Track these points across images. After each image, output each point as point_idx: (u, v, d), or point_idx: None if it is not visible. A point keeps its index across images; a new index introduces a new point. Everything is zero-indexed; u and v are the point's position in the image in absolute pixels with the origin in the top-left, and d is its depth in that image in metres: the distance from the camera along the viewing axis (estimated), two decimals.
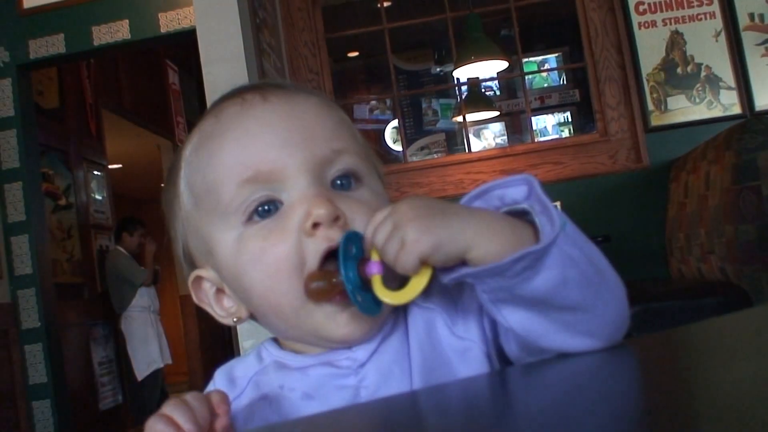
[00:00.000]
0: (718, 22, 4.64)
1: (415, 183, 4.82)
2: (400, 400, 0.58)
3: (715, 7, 4.64)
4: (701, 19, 4.66)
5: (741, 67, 4.58)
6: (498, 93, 7.34)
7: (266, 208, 0.81)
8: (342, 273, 0.74)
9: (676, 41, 4.66)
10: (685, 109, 4.62)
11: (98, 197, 6.71)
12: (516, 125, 7.25)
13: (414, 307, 0.85)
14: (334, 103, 0.91)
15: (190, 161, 0.89)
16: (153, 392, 6.30)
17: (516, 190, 0.75)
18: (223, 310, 0.90)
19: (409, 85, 7.24)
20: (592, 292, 0.71)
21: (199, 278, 0.90)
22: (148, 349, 6.20)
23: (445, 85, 7.57)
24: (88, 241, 6.41)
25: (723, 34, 4.63)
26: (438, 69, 7.48)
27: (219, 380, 0.92)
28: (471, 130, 5.81)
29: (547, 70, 7.36)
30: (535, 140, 5.48)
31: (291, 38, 4.95)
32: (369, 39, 5.55)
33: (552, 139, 6.46)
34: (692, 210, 3.88)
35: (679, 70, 4.65)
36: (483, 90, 6.57)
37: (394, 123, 7.06)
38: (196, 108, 7.81)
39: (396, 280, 0.74)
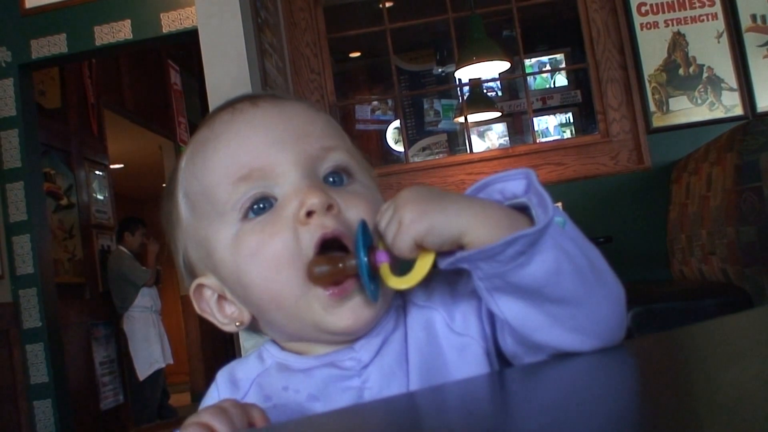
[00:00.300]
0: (720, 24, 4.64)
1: (417, 183, 4.81)
2: (397, 402, 0.58)
3: (717, 9, 4.64)
4: (703, 20, 4.66)
5: (743, 68, 4.58)
6: (500, 94, 7.34)
7: (261, 205, 0.82)
8: (360, 258, 0.75)
9: (678, 42, 4.66)
10: (686, 110, 4.62)
11: (100, 197, 6.72)
12: (518, 126, 7.25)
13: (413, 307, 0.86)
14: (322, 109, 0.95)
15: (185, 170, 0.91)
16: (154, 392, 6.31)
17: (515, 184, 0.77)
18: (225, 317, 0.90)
19: (410, 85, 7.24)
20: (586, 288, 0.71)
21: (200, 287, 0.91)
22: (149, 349, 6.21)
23: (446, 85, 7.57)
24: (90, 241, 6.41)
25: (725, 35, 4.63)
26: (440, 69, 7.48)
27: (221, 382, 0.92)
28: (473, 130, 5.81)
29: (549, 71, 7.35)
30: (537, 141, 5.48)
31: (293, 38, 4.95)
32: (371, 39, 5.55)
33: (554, 140, 6.46)
34: (694, 211, 3.88)
35: (681, 71, 4.65)
36: (485, 91, 6.56)
37: (396, 123, 7.06)
38: (198, 108, 7.81)
39: (402, 270, 0.76)
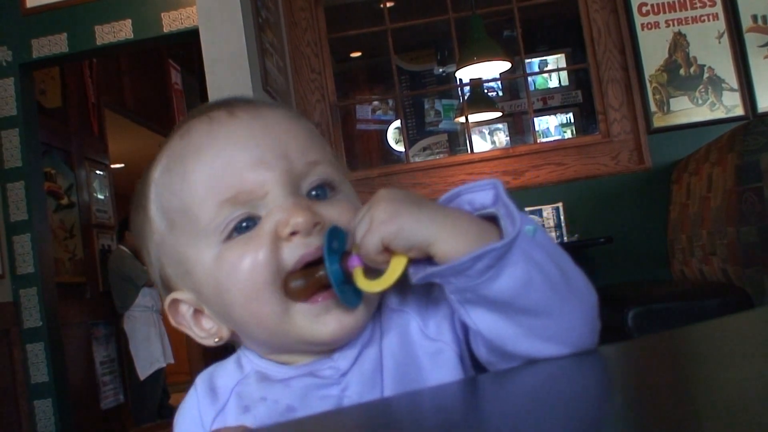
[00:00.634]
0: (721, 24, 4.64)
1: (418, 183, 4.82)
2: (373, 408, 0.58)
3: (718, 9, 4.64)
4: (704, 20, 4.66)
5: (744, 68, 4.58)
6: (500, 94, 7.34)
7: (245, 224, 0.81)
8: (327, 266, 0.75)
9: (678, 43, 4.66)
10: (687, 110, 4.62)
11: (100, 196, 6.72)
12: (518, 126, 7.25)
13: (388, 312, 0.85)
14: (301, 115, 0.92)
15: (160, 184, 0.88)
16: (155, 392, 6.31)
17: (484, 195, 0.77)
18: (202, 330, 0.89)
19: (411, 85, 7.24)
20: (558, 297, 0.71)
21: (175, 301, 0.89)
22: (150, 348, 6.20)
23: (447, 85, 7.57)
24: (90, 240, 6.41)
25: (726, 35, 4.63)
26: (440, 70, 7.48)
27: (201, 390, 0.91)
28: (473, 130, 5.81)
29: (550, 71, 7.35)
30: (538, 141, 5.48)
31: (294, 38, 4.95)
32: (372, 39, 5.55)
33: (554, 140, 6.46)
34: (694, 211, 3.88)
35: (681, 71, 4.65)
36: (485, 91, 6.56)
37: (397, 123, 7.06)
38: None
39: (377, 273, 0.75)
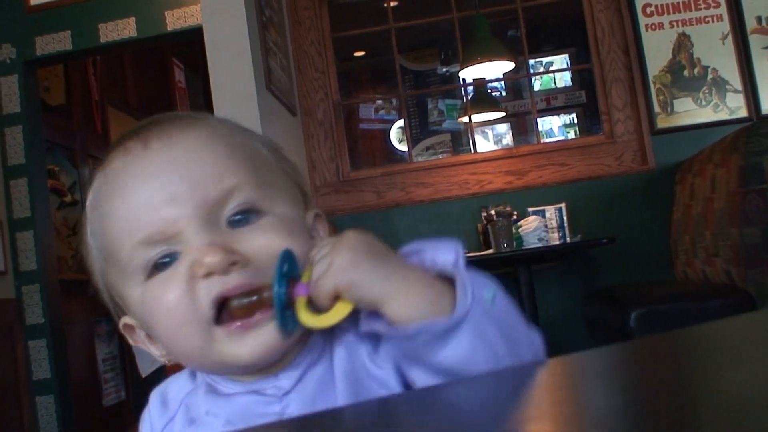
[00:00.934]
0: (726, 25, 4.63)
1: (421, 183, 4.82)
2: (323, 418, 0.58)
3: (723, 10, 4.64)
4: (708, 21, 4.65)
5: (748, 70, 4.58)
6: (504, 94, 7.33)
7: (166, 260, 0.80)
8: (275, 288, 0.75)
9: (683, 43, 4.66)
10: (691, 111, 4.62)
11: None
12: (522, 126, 7.25)
13: (342, 335, 0.84)
14: (226, 128, 0.87)
15: (90, 220, 0.88)
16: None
17: (446, 255, 0.76)
18: (158, 350, 0.90)
19: (415, 85, 7.24)
20: (499, 365, 0.71)
21: (128, 324, 0.90)
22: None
23: (451, 85, 7.57)
24: None
25: (730, 36, 4.63)
26: (444, 69, 7.47)
27: (153, 403, 0.93)
28: (477, 130, 5.81)
29: (554, 71, 7.35)
30: (541, 141, 5.48)
31: (297, 37, 4.95)
32: (375, 38, 5.55)
33: (558, 141, 6.46)
34: (697, 212, 3.87)
35: (685, 72, 4.64)
36: (489, 91, 6.56)
37: (400, 123, 7.06)
38: (202, 106, 7.81)
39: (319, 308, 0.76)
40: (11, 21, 4.60)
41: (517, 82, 7.13)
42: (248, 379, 0.85)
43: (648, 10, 4.68)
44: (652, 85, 4.64)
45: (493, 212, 4.26)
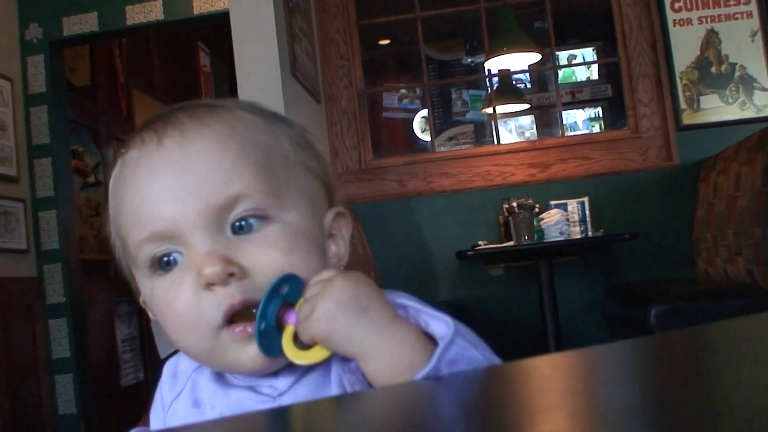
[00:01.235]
0: (755, 22, 4.59)
1: (443, 173, 4.81)
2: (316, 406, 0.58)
3: (752, 7, 4.59)
4: (737, 18, 4.61)
5: None
6: (529, 86, 7.30)
7: (168, 260, 0.81)
8: (261, 306, 0.75)
9: (711, 40, 4.62)
10: (717, 108, 4.58)
11: None
12: (546, 119, 7.22)
13: None
14: (247, 122, 0.86)
15: (110, 202, 0.88)
16: None
17: (440, 326, 0.75)
18: None
19: (439, 74, 7.22)
20: None
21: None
22: None
23: (475, 75, 7.55)
24: None
25: (759, 34, 4.58)
26: (469, 60, 7.45)
27: (165, 374, 0.96)
28: (500, 122, 5.79)
29: (580, 64, 7.30)
30: (565, 135, 5.45)
31: (323, 24, 4.95)
32: (401, 27, 5.54)
33: (582, 134, 6.43)
34: (721, 211, 3.84)
35: (713, 69, 4.61)
36: (514, 82, 6.53)
37: (423, 112, 7.04)
38: (227, 91, 7.82)
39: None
40: (39, 1, 4.63)
41: (542, 75, 7.10)
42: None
43: (676, 5, 4.64)
44: (678, 81, 4.61)
45: (514, 204, 4.25)
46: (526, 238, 3.96)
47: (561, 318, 4.00)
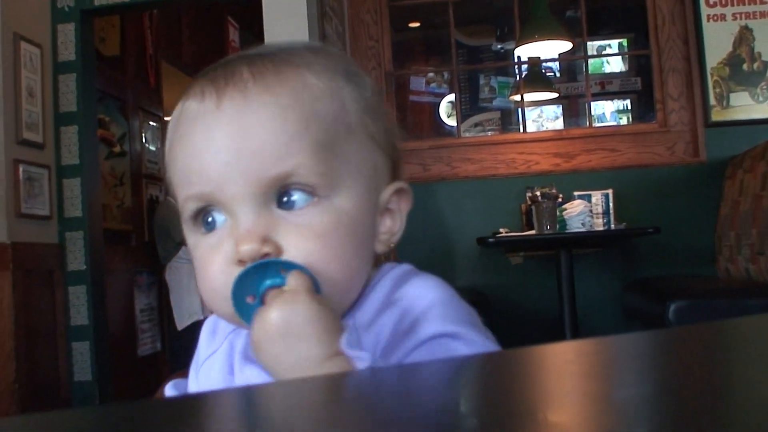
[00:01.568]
0: None
1: (467, 159, 4.80)
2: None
3: None
4: None
5: None
6: (558, 75, 7.27)
7: (210, 220, 0.81)
8: (243, 269, 0.77)
9: (744, 37, 4.57)
10: (747, 106, 4.54)
11: (152, 147, 6.78)
12: (573, 109, 7.19)
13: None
14: (314, 87, 0.82)
15: (166, 144, 0.88)
16: (191, 343, 6.38)
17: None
18: None
19: (468, 60, 7.19)
20: None
21: None
22: (190, 300, 6.27)
23: (505, 62, 7.52)
24: (139, 189, 6.48)
25: None
26: (499, 46, 7.43)
27: (205, 330, 0.97)
28: (527, 110, 5.76)
29: (610, 55, 7.26)
30: (593, 125, 5.42)
31: (354, 4, 4.94)
32: (432, 10, 5.52)
33: (610, 126, 6.40)
34: (746, 209, 3.82)
35: (744, 66, 4.56)
36: (543, 71, 6.50)
37: (450, 97, 7.03)
38: None
39: None
40: None
41: (571, 64, 7.06)
42: None
43: (711, 0, 4.59)
44: (709, 77, 4.57)
45: (538, 193, 4.23)
46: (548, 227, 3.95)
47: (579, 309, 3.99)
